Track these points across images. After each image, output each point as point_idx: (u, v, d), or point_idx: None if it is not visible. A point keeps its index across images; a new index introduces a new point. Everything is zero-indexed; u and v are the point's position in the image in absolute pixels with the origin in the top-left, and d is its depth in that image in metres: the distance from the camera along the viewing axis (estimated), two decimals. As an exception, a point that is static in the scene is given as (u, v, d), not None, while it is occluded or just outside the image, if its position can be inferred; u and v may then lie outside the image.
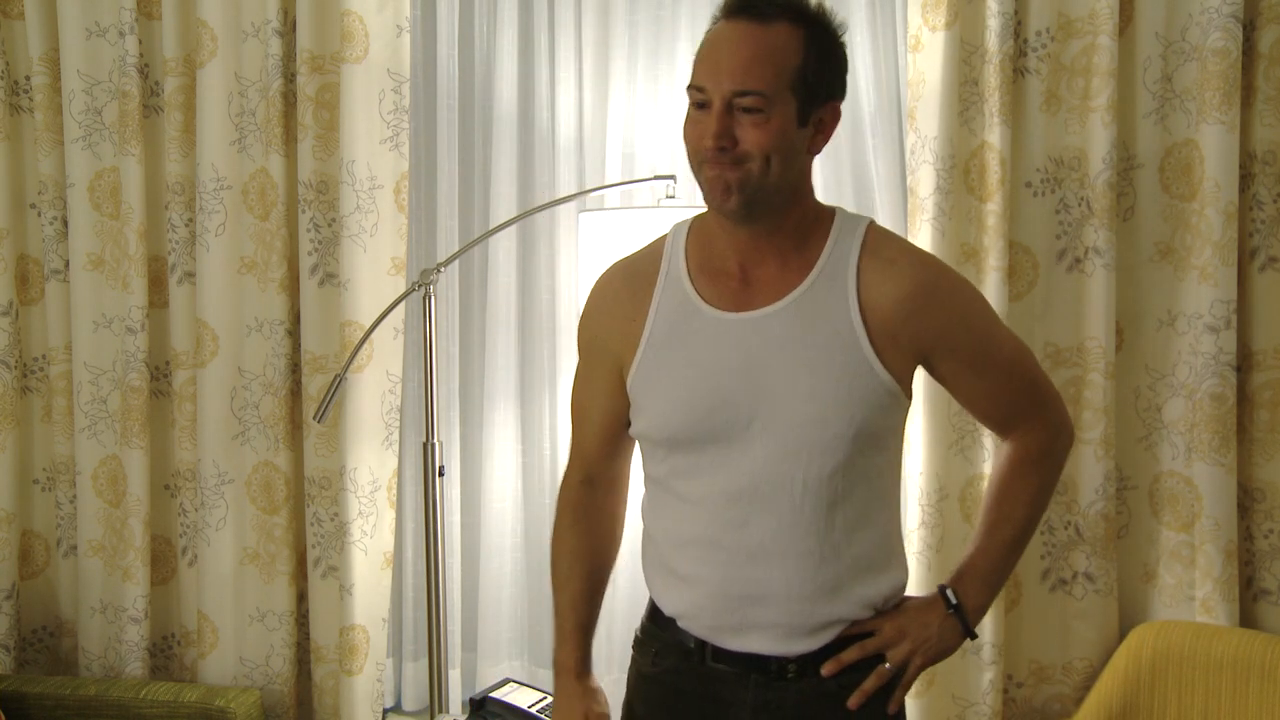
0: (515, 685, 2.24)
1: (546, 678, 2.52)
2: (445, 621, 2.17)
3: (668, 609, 1.40)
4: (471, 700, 2.21)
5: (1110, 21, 1.96)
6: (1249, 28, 1.94)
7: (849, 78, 2.24)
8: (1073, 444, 1.45)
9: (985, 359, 1.36)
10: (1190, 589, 2.02)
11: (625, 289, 1.40)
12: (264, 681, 2.36)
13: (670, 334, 1.34)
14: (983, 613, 1.40)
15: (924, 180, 2.06)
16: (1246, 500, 2.01)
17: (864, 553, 1.32)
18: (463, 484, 2.53)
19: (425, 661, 2.50)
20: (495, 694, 2.20)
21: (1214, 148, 1.92)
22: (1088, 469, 2.04)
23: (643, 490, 1.46)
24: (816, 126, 1.28)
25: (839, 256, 1.30)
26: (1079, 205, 2.03)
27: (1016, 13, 2.00)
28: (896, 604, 1.38)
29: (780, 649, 1.32)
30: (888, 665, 1.34)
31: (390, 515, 2.34)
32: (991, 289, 2.01)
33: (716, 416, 1.30)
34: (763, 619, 1.32)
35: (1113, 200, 1.99)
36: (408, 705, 2.57)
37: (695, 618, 1.36)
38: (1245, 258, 1.98)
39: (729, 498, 1.31)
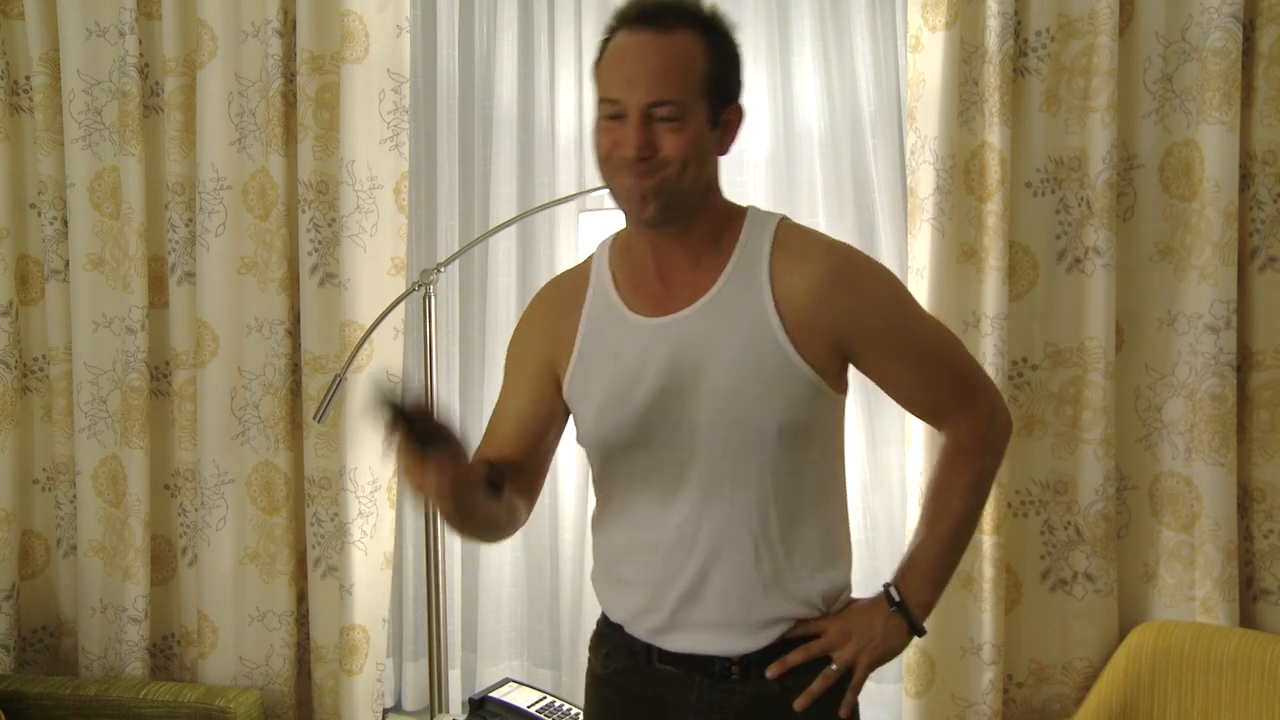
0: (515, 685, 2.24)
1: (546, 678, 2.53)
2: (445, 621, 2.17)
3: (614, 615, 1.42)
4: (471, 700, 2.21)
5: (1110, 21, 1.96)
6: (1249, 28, 1.94)
7: (849, 78, 2.28)
8: (1010, 431, 1.42)
9: (905, 346, 1.34)
10: (1190, 589, 2.02)
11: (556, 304, 1.43)
12: (264, 681, 2.36)
13: (599, 341, 1.37)
14: (928, 608, 1.38)
15: (924, 180, 2.06)
16: (1246, 500, 2.01)
17: (801, 549, 1.32)
18: (463, 484, 2.52)
19: (425, 661, 2.49)
20: (495, 694, 2.20)
21: (1214, 148, 1.92)
22: (1088, 469, 2.04)
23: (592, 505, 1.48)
24: (724, 128, 1.31)
25: (750, 253, 1.31)
26: (1079, 205, 2.03)
27: (1016, 13, 2.00)
28: (844, 605, 1.38)
29: (722, 648, 1.33)
30: (834, 667, 1.34)
31: (390, 515, 2.34)
32: (991, 289, 2.01)
33: (645, 419, 1.32)
34: (702, 617, 1.33)
35: (1113, 200, 1.99)
36: (408, 705, 2.57)
37: (640, 621, 1.38)
38: (1245, 258, 1.97)
39: (665, 500, 1.33)
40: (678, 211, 1.28)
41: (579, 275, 1.43)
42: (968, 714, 2.10)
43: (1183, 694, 1.91)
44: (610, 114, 1.26)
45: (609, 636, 1.43)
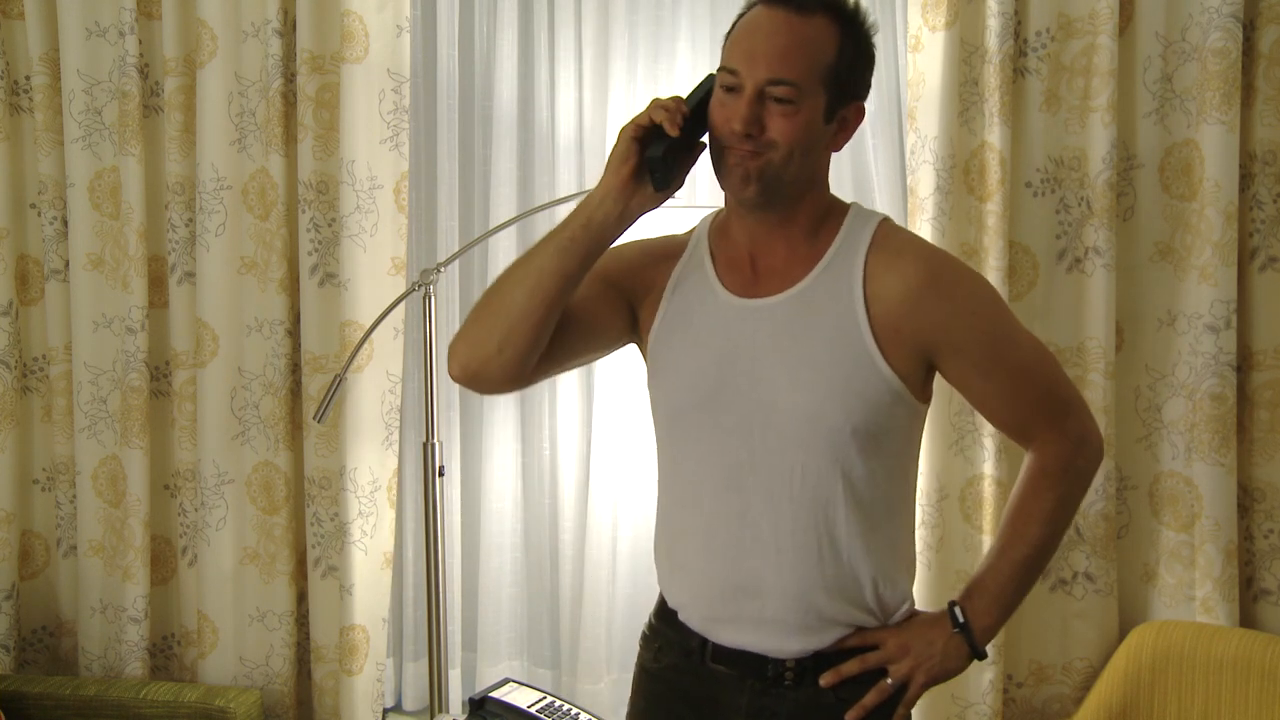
0: (515, 685, 2.24)
1: (546, 678, 2.53)
2: (445, 621, 2.16)
3: (670, 600, 1.41)
4: (471, 700, 2.20)
5: (1110, 21, 1.96)
6: (1249, 28, 1.94)
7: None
8: (1100, 459, 1.38)
9: (996, 361, 1.31)
10: (1190, 589, 2.02)
11: (657, 251, 1.42)
12: (264, 681, 2.36)
13: (684, 305, 1.36)
14: (992, 633, 1.36)
15: (924, 180, 2.06)
16: (1246, 500, 2.01)
17: (865, 556, 1.30)
18: (463, 484, 2.53)
19: (425, 661, 2.49)
20: (495, 694, 2.20)
21: (1214, 148, 1.92)
22: (1088, 469, 2.04)
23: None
24: (840, 124, 1.29)
25: (847, 249, 1.30)
26: (1079, 205, 2.03)
27: (1016, 13, 2.00)
28: (906, 617, 1.36)
29: (776, 646, 1.32)
30: (889, 681, 1.33)
31: (390, 515, 2.34)
32: (991, 289, 2.02)
33: (717, 398, 1.31)
34: (758, 613, 1.31)
35: (1113, 200, 1.99)
36: (408, 705, 2.57)
37: (693, 607, 1.37)
38: (1245, 258, 1.98)
39: (728, 485, 1.31)
40: (777, 197, 1.27)
41: (678, 239, 1.43)
42: (968, 714, 2.10)
43: (1183, 694, 1.91)
44: (728, 85, 1.25)
45: (662, 631, 1.42)
